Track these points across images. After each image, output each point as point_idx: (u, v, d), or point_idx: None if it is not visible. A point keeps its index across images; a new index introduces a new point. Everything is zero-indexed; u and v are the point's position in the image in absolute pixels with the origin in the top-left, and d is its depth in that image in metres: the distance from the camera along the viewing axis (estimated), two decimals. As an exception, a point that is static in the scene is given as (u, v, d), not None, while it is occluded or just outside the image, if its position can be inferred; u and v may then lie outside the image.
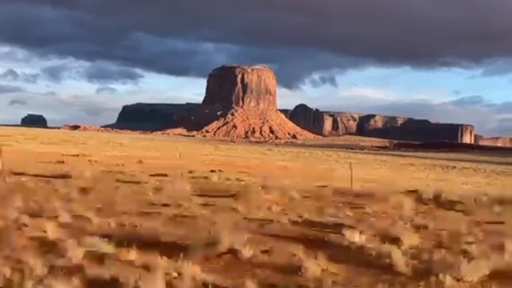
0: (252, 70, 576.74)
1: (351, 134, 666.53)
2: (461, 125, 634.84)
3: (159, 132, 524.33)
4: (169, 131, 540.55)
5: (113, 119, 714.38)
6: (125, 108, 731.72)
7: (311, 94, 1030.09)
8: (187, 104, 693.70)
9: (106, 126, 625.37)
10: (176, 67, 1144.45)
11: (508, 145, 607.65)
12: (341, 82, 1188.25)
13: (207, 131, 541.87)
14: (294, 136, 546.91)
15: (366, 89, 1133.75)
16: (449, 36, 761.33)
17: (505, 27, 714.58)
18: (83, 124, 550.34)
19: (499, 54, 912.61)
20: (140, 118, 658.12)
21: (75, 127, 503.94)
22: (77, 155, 56.24)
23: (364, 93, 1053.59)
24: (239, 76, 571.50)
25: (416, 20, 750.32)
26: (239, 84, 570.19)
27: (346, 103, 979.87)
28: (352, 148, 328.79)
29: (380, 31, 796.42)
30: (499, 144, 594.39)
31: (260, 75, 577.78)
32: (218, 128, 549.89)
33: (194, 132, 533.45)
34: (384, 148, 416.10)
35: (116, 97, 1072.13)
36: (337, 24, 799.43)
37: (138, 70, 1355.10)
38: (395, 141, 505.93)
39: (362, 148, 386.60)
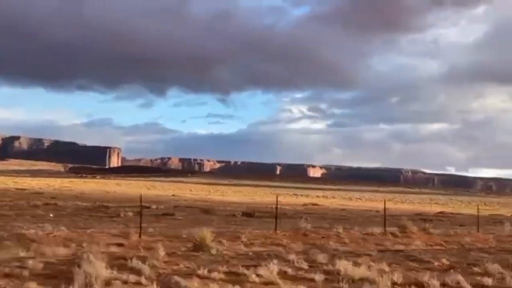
0: None
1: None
2: (109, 148, 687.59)
3: None
4: None
5: None
6: None
7: None
8: None
9: None
10: None
11: (149, 165, 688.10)
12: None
13: None
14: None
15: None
16: (86, 60, 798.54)
17: (138, 55, 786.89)
18: None
19: (131, 81, 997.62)
20: None
21: None
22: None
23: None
24: None
25: (56, 43, 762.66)
26: None
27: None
28: (85, 174, 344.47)
29: (12, 49, 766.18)
30: (142, 164, 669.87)
31: None
32: None
33: None
34: (73, 173, 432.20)
35: None
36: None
37: None
38: (70, 165, 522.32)
39: (55, 173, 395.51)
